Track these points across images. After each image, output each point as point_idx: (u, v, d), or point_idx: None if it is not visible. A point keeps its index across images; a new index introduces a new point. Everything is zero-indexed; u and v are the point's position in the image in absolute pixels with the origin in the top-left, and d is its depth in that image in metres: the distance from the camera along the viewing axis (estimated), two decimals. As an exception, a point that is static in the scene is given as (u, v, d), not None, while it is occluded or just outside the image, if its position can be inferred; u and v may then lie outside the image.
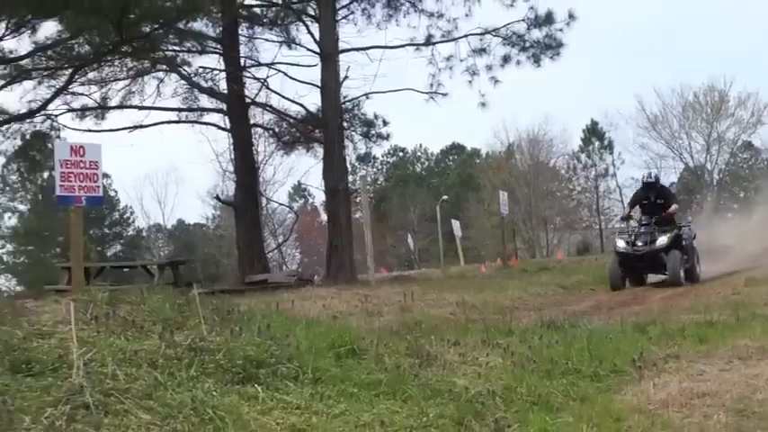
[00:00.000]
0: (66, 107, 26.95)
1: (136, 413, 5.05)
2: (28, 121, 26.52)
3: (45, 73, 25.08)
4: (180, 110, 28.72)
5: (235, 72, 26.91)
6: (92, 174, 12.32)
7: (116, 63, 26.65)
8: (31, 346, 5.70)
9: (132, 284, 18.66)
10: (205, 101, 28.76)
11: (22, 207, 75.07)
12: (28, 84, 25.34)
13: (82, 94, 26.93)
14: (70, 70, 24.40)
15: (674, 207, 20.44)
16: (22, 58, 24.10)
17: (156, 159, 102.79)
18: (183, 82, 27.86)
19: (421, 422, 5.71)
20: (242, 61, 27.75)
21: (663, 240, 19.51)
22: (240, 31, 27.89)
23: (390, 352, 7.25)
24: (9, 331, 5.92)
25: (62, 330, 6.05)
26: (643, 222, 20.18)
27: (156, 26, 22.70)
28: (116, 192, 74.82)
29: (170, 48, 27.12)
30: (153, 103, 27.95)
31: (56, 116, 26.95)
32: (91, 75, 26.40)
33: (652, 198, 20.56)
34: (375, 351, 7.11)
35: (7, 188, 74.68)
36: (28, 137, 27.58)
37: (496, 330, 10.22)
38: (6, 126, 26.44)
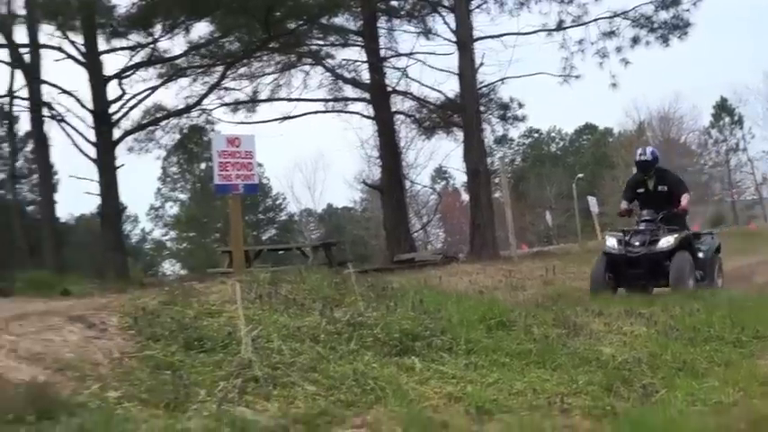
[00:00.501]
0: (219, 102, 27.68)
1: (302, 385, 5.15)
2: (185, 116, 27.27)
3: (199, 70, 25.78)
4: (326, 100, 29.33)
5: (376, 63, 27.20)
6: (247, 163, 12.59)
7: (264, 58, 27.26)
8: (202, 325, 5.86)
9: (289, 266, 19.05)
10: (349, 91, 29.28)
11: (182, 196, 77.28)
12: (183, 81, 26.18)
13: (234, 89, 27.61)
14: (222, 67, 25.02)
15: (685, 199, 14.45)
16: (177, 57, 24.84)
17: (305, 148, 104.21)
18: (327, 74, 28.41)
19: (571, 389, 5.66)
20: (382, 52, 28.03)
21: (668, 241, 13.86)
22: (379, 24, 28.18)
23: (538, 323, 7.23)
24: (181, 311, 6.09)
25: (229, 309, 6.20)
26: (644, 218, 14.39)
27: (301, 22, 23.07)
28: (268, 179, 75.95)
29: (314, 42, 27.60)
30: (300, 95, 28.54)
31: (210, 110, 27.68)
32: (241, 70, 27.10)
33: (650, 185, 14.67)
34: (523, 322, 7.09)
35: (168, 179, 76.92)
36: (185, 131, 28.36)
37: (638, 301, 10.09)
38: (165, 121, 27.24)
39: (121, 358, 5.25)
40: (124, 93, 24.25)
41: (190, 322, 5.87)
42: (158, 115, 26.82)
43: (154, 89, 25.36)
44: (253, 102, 28.19)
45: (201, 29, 24.45)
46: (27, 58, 23.89)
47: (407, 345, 6.01)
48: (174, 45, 25.44)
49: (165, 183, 76.98)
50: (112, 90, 24.42)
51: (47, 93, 24.40)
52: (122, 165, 24.42)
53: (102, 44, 24.21)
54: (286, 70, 28.38)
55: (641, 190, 14.59)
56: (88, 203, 74.38)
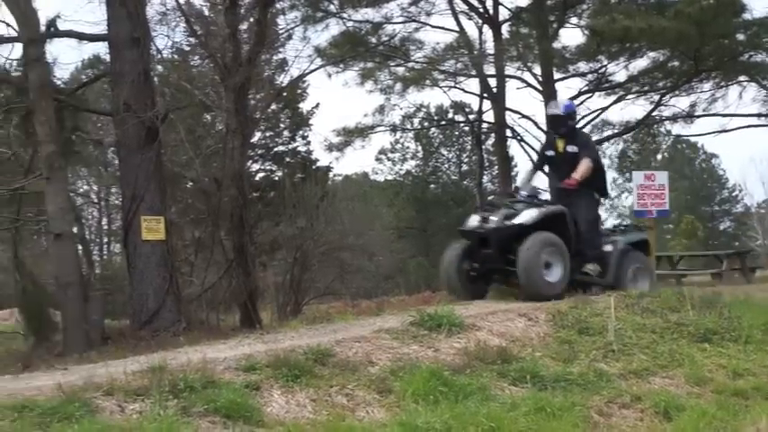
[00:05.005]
0: (658, 115, 31.76)
1: (639, 355, 9.94)
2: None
3: (640, 94, 30.27)
4: (759, 115, 31.41)
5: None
6: (660, 193, 16.89)
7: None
8: (589, 320, 10.76)
9: (704, 269, 23.18)
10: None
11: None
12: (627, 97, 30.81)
13: (672, 106, 31.52)
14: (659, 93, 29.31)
15: (584, 165, 12.16)
16: (620, 85, 29.65)
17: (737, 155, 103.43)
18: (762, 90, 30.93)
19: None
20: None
21: (528, 215, 11.83)
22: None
23: (805, 328, 11.32)
24: (579, 312, 11.01)
25: (607, 312, 11.00)
26: (523, 192, 12.47)
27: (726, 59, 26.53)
28: (724, 171, 77.79)
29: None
30: (735, 109, 31.12)
31: (651, 125, 32.15)
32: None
33: (561, 147, 12.51)
34: (792, 327, 11.26)
35: (625, 169, 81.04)
36: (629, 142, 33.33)
37: None
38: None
39: (544, 337, 10.31)
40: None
41: (583, 318, 10.82)
42: (605, 132, 31.92)
43: (603, 110, 30.47)
44: (689, 116, 31.86)
45: (640, 63, 29.16)
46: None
47: (708, 336, 10.56)
48: (618, 70, 30.07)
49: (621, 172, 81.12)
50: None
51: (509, 117, 30.49)
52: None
53: (556, 74, 29.83)
54: (722, 87, 31.46)
55: (551, 152, 12.79)
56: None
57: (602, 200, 13.32)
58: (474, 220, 12.22)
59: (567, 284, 12.13)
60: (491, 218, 11.93)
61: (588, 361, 9.55)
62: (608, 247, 12.78)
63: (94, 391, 7.01)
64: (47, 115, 14.68)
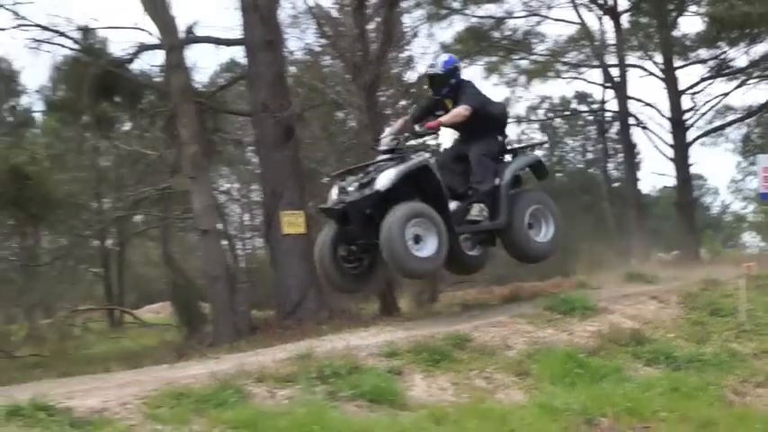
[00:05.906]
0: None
1: (773, 336, 9.77)
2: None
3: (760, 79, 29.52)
4: None
5: None
6: (781, 175, 16.36)
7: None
8: (720, 301, 10.62)
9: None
10: None
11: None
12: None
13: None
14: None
15: (455, 110, 10.38)
16: (741, 70, 28.96)
17: None
18: None
19: None
20: None
21: (385, 179, 9.65)
22: None
23: None
24: (710, 294, 10.90)
25: (738, 293, 10.80)
26: (382, 147, 10.27)
27: None
28: None
29: None
30: None
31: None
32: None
33: (450, 107, 10.58)
34: None
35: (748, 153, 79.00)
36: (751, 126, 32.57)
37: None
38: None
39: (676, 318, 10.22)
40: (695, 104, 29.04)
41: (714, 300, 10.68)
42: (728, 117, 31.35)
43: (725, 95, 29.90)
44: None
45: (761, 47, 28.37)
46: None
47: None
48: (738, 55, 29.39)
49: (745, 156, 78.81)
50: (686, 100, 29.30)
51: (632, 105, 29.75)
52: (694, 163, 29.18)
53: (677, 62, 29.33)
54: None
55: (441, 113, 10.71)
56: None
57: (503, 140, 11.14)
58: (334, 193, 10.20)
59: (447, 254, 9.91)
60: (348, 188, 10.02)
61: (721, 341, 9.47)
62: (496, 181, 10.58)
63: (246, 379, 7.28)
64: (189, 118, 15.08)
